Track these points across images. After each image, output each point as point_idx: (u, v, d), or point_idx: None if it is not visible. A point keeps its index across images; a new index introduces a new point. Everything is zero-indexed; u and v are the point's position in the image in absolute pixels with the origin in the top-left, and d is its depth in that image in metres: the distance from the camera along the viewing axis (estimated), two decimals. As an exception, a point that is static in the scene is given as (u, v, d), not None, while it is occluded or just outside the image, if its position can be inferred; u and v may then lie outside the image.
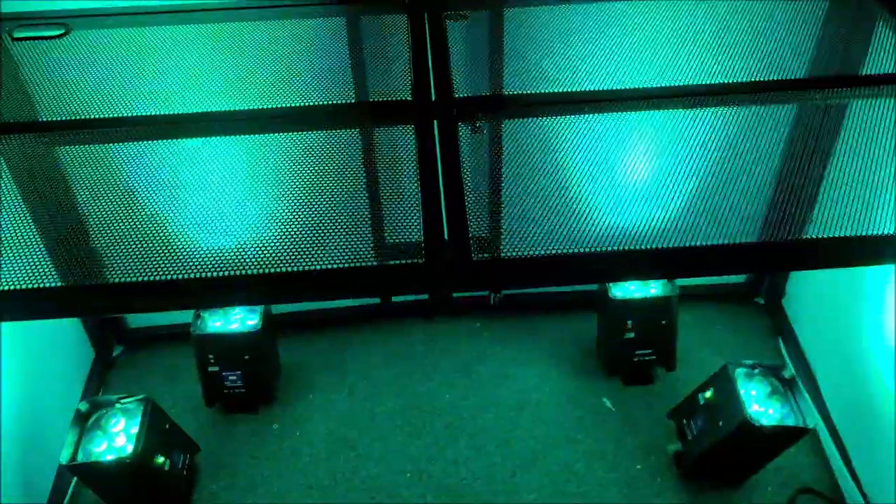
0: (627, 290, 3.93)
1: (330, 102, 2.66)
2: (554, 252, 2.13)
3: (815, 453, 3.83)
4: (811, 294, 4.12)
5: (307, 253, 2.08)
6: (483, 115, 2.54)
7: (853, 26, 3.14)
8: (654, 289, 3.94)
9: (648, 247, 2.16)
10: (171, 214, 2.30)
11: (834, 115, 3.18)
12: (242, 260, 2.08)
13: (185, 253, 2.14)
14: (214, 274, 2.04)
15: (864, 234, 2.22)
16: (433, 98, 2.51)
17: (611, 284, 3.92)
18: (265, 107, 2.66)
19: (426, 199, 2.10)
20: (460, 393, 4.14)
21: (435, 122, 2.40)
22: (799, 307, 4.24)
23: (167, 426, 3.52)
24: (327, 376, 4.23)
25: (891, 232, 2.20)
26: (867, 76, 2.93)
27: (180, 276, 2.03)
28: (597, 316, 4.24)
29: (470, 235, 2.04)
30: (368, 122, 2.58)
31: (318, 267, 2.02)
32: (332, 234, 2.12)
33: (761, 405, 3.44)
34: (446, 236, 2.03)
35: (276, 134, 2.59)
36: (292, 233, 2.16)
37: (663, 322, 3.96)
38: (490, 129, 2.87)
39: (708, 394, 3.57)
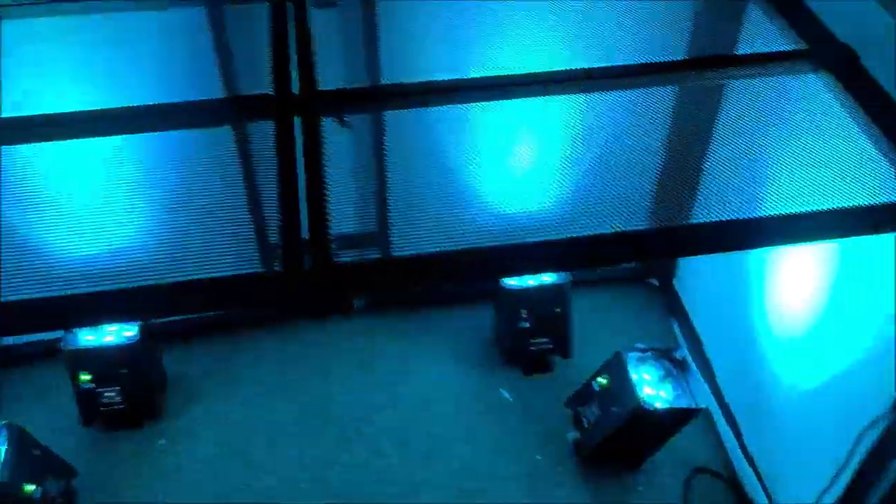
0: (521, 279, 3.88)
1: (188, 100, 2.48)
2: (426, 252, 2.04)
3: (709, 432, 3.87)
4: (702, 274, 4.16)
5: (159, 264, 1.93)
6: (351, 108, 2.42)
7: (727, 8, 3.15)
8: (547, 277, 3.90)
9: (534, 240, 2.09)
10: (18, 227, 2.11)
11: (712, 97, 3.19)
12: (90, 274, 1.91)
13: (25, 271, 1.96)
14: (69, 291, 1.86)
15: (746, 217, 2.21)
16: (296, 91, 2.36)
17: (504, 275, 3.87)
18: (117, 106, 2.46)
19: (284, 202, 1.96)
20: (357, 394, 4.01)
21: (297, 117, 2.26)
22: (691, 287, 4.29)
23: (37, 452, 3.28)
24: (216, 385, 4.03)
25: (776, 213, 2.19)
26: (741, 56, 2.94)
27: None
28: (493, 307, 4.19)
29: (331, 237, 1.92)
30: (227, 120, 2.41)
31: (170, 280, 1.87)
32: (182, 244, 1.97)
33: (654, 389, 3.45)
34: (306, 239, 1.90)
35: (134, 135, 2.40)
36: (144, 244, 2.01)
37: (557, 310, 3.93)
38: (364, 123, 2.76)
39: (602, 380, 3.55)
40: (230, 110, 2.42)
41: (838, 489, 2.81)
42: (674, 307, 4.38)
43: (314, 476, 3.67)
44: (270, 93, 2.32)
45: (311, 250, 1.85)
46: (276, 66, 2.39)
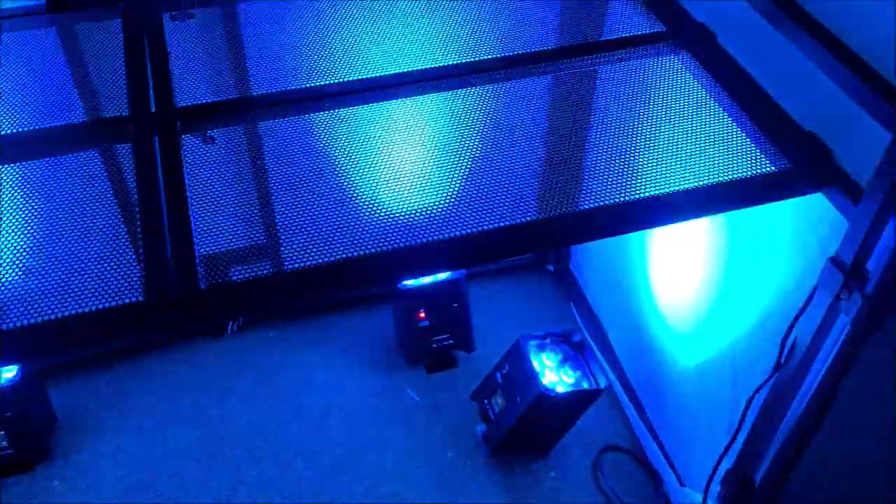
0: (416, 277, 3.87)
1: (41, 127, 2.35)
2: (312, 263, 1.99)
3: (614, 411, 3.95)
4: (595, 257, 4.23)
5: (48, 299, 1.81)
6: (214, 123, 2.34)
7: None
8: (442, 273, 3.89)
9: (425, 241, 2.07)
10: None
11: (582, 84, 3.24)
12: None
13: None
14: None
15: (627, 200, 2.25)
16: (153, 110, 2.26)
17: (399, 275, 3.84)
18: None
19: (146, 227, 1.88)
20: (260, 411, 3.92)
21: (156, 137, 2.17)
22: (586, 271, 4.36)
23: (-85, 511, 3.07)
24: (110, 418, 3.86)
25: (650, 194, 2.23)
26: (605, 41, 2.98)
27: None
28: (392, 307, 4.15)
29: (198, 259, 1.85)
30: (85, 146, 2.29)
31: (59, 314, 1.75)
32: (41, 279, 1.86)
33: (555, 374, 3.49)
34: (171, 266, 1.82)
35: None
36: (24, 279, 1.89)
37: (455, 305, 3.93)
38: (236, 135, 2.67)
39: (504, 371, 3.57)
40: (87, 135, 2.30)
41: (734, 453, 2.90)
42: (571, 291, 4.44)
43: (222, 499, 3.56)
44: (126, 114, 2.22)
45: (177, 276, 1.77)
46: (131, 85, 2.29)
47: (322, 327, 4.31)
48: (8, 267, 1.88)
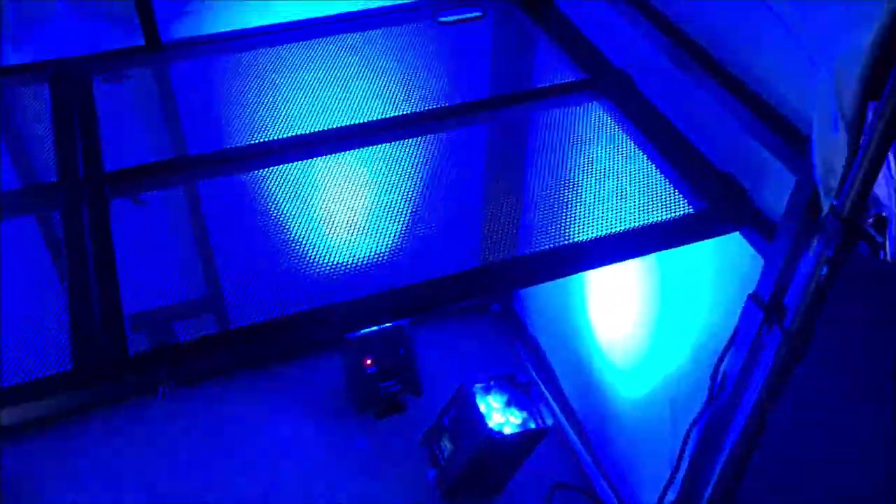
0: (362, 325, 3.88)
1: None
2: (244, 324, 2.01)
3: (564, 448, 3.98)
4: (539, 296, 4.29)
5: None
6: (144, 185, 2.35)
7: (515, 44, 3.30)
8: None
9: (365, 294, 2.10)
10: None
11: (517, 132, 3.33)
12: None
13: None
14: None
15: (564, 243, 2.31)
16: (81, 175, 2.27)
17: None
18: None
19: (73, 294, 1.88)
20: (209, 465, 3.87)
21: (84, 201, 2.17)
22: (531, 310, 4.41)
23: None
24: (57, 482, 3.78)
25: (586, 238, 2.30)
26: (533, 90, 3.08)
27: None
28: (339, 355, 4.16)
29: (127, 324, 1.85)
30: (14, 213, 2.28)
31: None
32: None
33: (502, 415, 3.51)
34: (99, 332, 1.82)
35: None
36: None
37: (401, 350, 3.95)
38: (169, 197, 2.69)
39: (450, 415, 3.59)
40: (15, 203, 2.29)
41: (677, 486, 2.95)
42: (517, 331, 4.49)
43: (170, 561, 3.50)
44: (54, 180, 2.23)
45: (105, 343, 1.78)
46: (59, 150, 2.30)
47: (269, 377, 4.28)
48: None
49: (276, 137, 2.69)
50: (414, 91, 3.12)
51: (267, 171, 2.60)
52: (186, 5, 2.88)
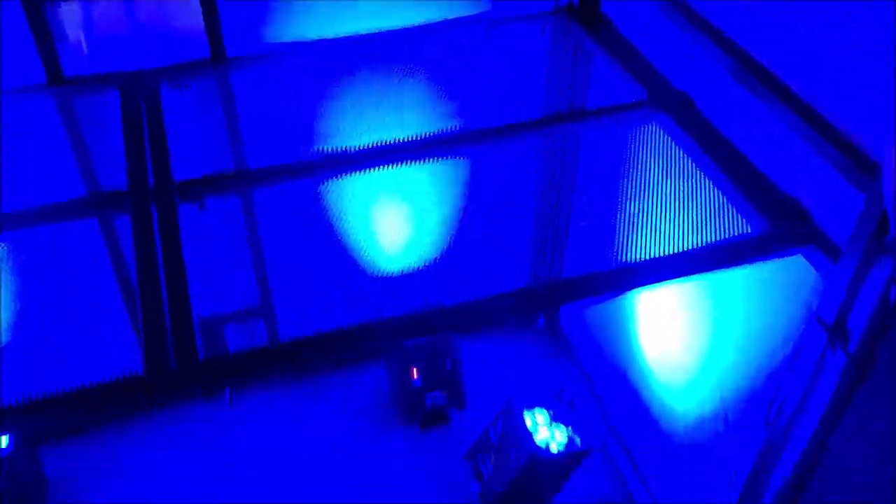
0: (409, 337, 3.90)
1: (45, 203, 2.39)
2: (301, 335, 2.03)
3: (607, 467, 3.95)
4: (586, 315, 4.27)
5: (47, 373, 1.85)
6: (215, 193, 2.39)
7: (575, 64, 3.30)
8: (434, 331, 3.93)
9: (415, 310, 2.11)
10: None
11: (571, 150, 3.33)
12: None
13: None
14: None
15: (613, 265, 2.31)
16: (151, 183, 2.32)
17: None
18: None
19: (144, 303, 1.91)
20: (254, 468, 3.91)
21: (154, 210, 2.22)
22: (577, 328, 4.39)
23: None
24: (102, 481, 3.84)
25: (635, 259, 2.30)
26: (593, 109, 3.07)
27: None
28: (385, 366, 4.18)
29: (197, 329, 1.89)
30: (86, 220, 2.34)
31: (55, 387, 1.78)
32: (44, 352, 1.90)
33: (547, 430, 3.50)
34: (170, 339, 1.85)
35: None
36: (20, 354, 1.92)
37: (448, 363, 3.96)
38: (233, 206, 2.73)
39: (497, 430, 3.58)
40: (87, 209, 2.35)
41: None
42: (562, 347, 4.48)
43: (216, 565, 3.54)
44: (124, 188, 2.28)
45: (176, 347, 1.81)
46: (130, 159, 2.35)
47: (317, 386, 4.31)
48: (10, 340, 1.92)
49: (333, 149, 2.71)
50: (470, 108, 3.13)
51: (323, 184, 2.63)
52: (251, 19, 2.93)
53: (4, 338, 1.94)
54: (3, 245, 2.21)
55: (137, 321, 1.88)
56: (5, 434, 3.31)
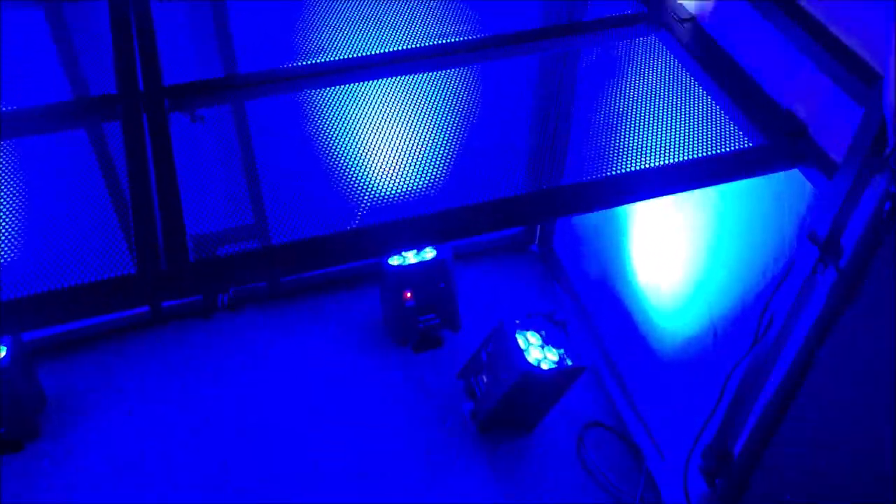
0: (403, 258, 3.91)
1: (32, 105, 2.36)
2: (290, 240, 2.03)
3: (597, 388, 4.01)
4: (579, 238, 4.28)
5: (37, 273, 1.84)
6: (202, 102, 2.37)
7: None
8: (429, 253, 3.94)
9: (410, 216, 2.11)
10: None
11: (566, 62, 3.28)
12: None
13: None
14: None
15: (609, 175, 2.30)
16: (141, 88, 2.29)
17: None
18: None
19: (135, 202, 1.91)
20: (249, 391, 3.96)
21: (144, 114, 2.19)
22: (570, 252, 4.41)
23: None
24: (100, 398, 3.89)
25: (631, 170, 2.28)
26: (587, 22, 3.02)
27: None
28: (379, 288, 4.20)
29: (188, 235, 1.88)
30: (74, 123, 2.32)
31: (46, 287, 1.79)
32: (35, 252, 1.89)
33: (539, 352, 3.54)
34: (160, 240, 1.85)
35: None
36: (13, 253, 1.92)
37: (441, 285, 3.97)
38: (222, 113, 2.70)
39: (489, 349, 3.62)
40: (76, 112, 2.32)
41: (714, 427, 2.96)
42: (555, 271, 4.50)
43: (212, 480, 3.61)
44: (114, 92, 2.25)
45: (166, 249, 1.81)
46: (119, 62, 2.31)
47: (309, 309, 4.34)
48: (4, 241, 1.91)
49: (326, 60, 2.67)
50: (466, 18, 3.07)
51: (317, 93, 2.60)
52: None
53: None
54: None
55: (128, 224, 1.86)
56: (9, 333, 3.35)
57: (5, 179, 2.11)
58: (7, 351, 3.44)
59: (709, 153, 2.27)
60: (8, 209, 2.00)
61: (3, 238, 1.90)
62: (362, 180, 2.33)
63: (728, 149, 2.27)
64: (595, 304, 4.15)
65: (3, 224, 1.96)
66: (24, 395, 3.61)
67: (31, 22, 2.85)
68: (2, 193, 2.03)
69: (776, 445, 2.68)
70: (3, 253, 1.86)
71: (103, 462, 3.65)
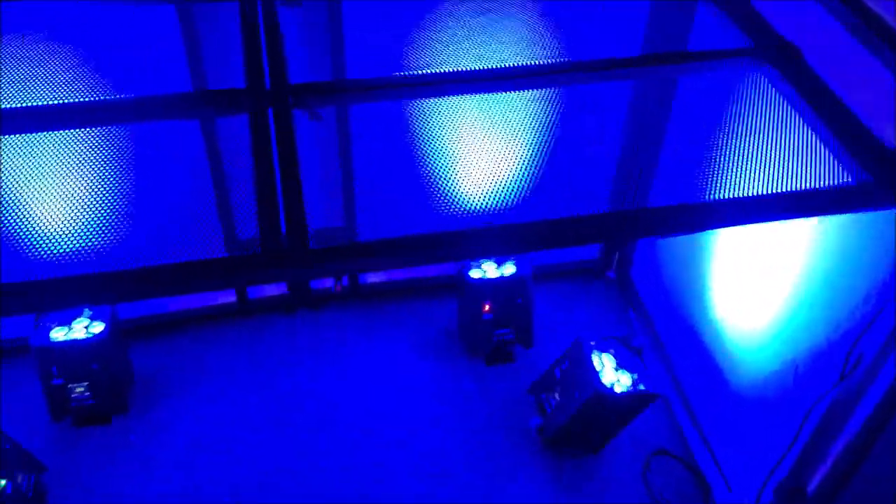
0: (483, 271, 4.00)
1: (161, 94, 2.54)
2: (396, 235, 2.12)
3: (667, 417, 4.01)
4: (657, 266, 4.30)
5: (149, 249, 1.99)
6: (321, 101, 2.50)
7: (678, 7, 3.29)
8: (509, 269, 4.02)
9: (499, 224, 2.19)
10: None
11: (665, 90, 3.33)
12: (81, 258, 1.98)
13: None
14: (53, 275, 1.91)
15: (700, 200, 2.33)
16: (268, 86, 2.44)
17: (468, 267, 3.98)
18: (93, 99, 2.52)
19: (261, 189, 2.04)
20: (325, 385, 4.09)
21: (270, 109, 2.33)
22: (647, 280, 4.43)
23: (6, 446, 3.29)
24: (185, 380, 4.07)
25: (724, 196, 2.32)
26: (692, 52, 3.08)
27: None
28: (457, 299, 4.29)
29: (307, 224, 2.00)
30: (203, 113, 2.48)
31: (157, 262, 1.93)
32: (171, 229, 2.04)
33: (612, 375, 3.57)
34: (283, 225, 1.98)
35: (109, 126, 2.44)
36: (130, 229, 2.07)
37: (519, 301, 4.04)
38: (332, 114, 2.84)
39: (563, 367, 3.67)
40: (205, 103, 2.49)
41: (788, 463, 2.95)
42: (631, 299, 4.52)
43: (285, 466, 3.73)
44: (242, 87, 2.40)
45: (288, 233, 1.93)
46: (248, 60, 2.46)
47: (388, 314, 4.46)
48: (133, 216, 2.07)
49: (437, 71, 2.78)
50: (569, 41, 3.16)
51: (425, 103, 2.70)
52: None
53: (113, 220, 2.07)
54: (117, 130, 2.37)
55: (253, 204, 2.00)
56: (102, 321, 3.55)
57: (139, 161, 2.27)
58: (105, 326, 3.63)
59: (807, 186, 2.29)
60: (140, 190, 2.16)
61: (138, 216, 2.06)
62: (454, 188, 2.42)
63: (828, 183, 2.28)
64: (669, 333, 4.17)
65: (135, 204, 2.12)
66: (116, 369, 3.80)
67: (161, 17, 3.05)
68: (139, 175, 2.20)
69: (854, 487, 2.66)
70: (140, 227, 2.01)
71: (184, 439, 3.81)
